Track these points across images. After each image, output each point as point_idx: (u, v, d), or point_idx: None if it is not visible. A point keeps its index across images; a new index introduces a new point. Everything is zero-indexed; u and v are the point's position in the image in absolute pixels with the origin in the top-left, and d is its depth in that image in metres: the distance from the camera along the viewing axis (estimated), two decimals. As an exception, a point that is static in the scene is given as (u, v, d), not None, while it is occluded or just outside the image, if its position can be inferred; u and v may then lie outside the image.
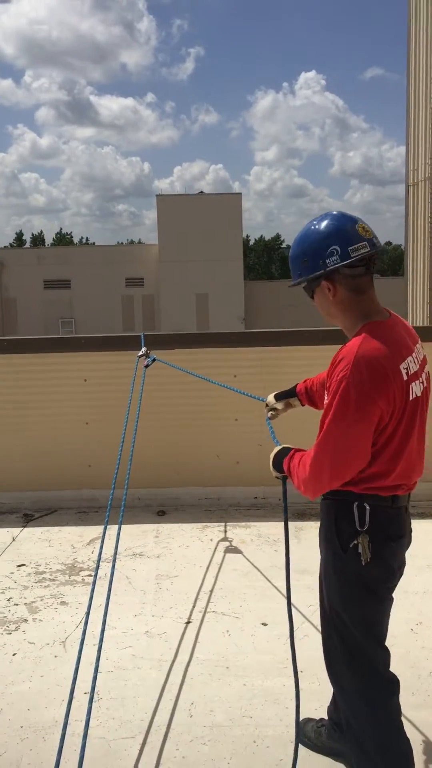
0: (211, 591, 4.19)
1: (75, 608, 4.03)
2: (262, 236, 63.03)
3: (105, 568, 4.57)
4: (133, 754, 2.81)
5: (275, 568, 4.38)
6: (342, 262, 2.24)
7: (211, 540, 5.01)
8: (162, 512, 5.59)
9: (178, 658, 3.49)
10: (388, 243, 71.73)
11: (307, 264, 2.32)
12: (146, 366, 4.72)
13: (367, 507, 2.28)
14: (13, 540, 5.12)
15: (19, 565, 4.66)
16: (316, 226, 2.33)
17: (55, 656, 3.54)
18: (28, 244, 62.44)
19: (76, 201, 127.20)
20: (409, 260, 12.46)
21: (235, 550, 4.80)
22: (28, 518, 5.57)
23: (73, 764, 2.72)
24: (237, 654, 3.50)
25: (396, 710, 2.38)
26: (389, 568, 2.36)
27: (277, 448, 2.58)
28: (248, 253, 56.11)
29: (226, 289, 35.75)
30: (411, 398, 2.24)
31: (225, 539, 5.00)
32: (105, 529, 3.56)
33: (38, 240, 64.80)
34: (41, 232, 69.99)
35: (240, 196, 39.15)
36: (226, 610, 3.94)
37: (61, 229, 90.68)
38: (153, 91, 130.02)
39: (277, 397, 3.10)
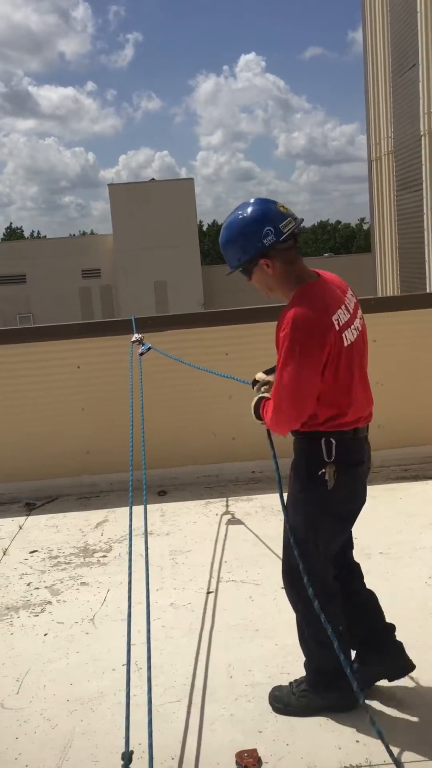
0: (226, 562, 4.31)
1: (96, 588, 4.11)
2: (215, 221, 63.05)
3: (117, 549, 4.67)
4: (181, 716, 2.91)
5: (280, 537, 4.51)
6: (277, 239, 2.57)
7: (216, 515, 5.12)
8: (163, 492, 5.67)
9: (206, 625, 3.60)
10: (338, 222, 72.35)
11: (244, 247, 2.61)
12: (141, 354, 4.79)
13: (333, 441, 2.66)
14: (20, 528, 5.16)
15: (32, 552, 4.71)
16: (244, 214, 2.63)
17: (87, 633, 3.61)
18: (-23, 241, 61.30)
19: (21, 195, 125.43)
20: (376, 234, 12.64)
21: (241, 522, 4.92)
22: (30, 507, 5.60)
23: (122, 730, 2.83)
24: (264, 617, 3.61)
25: (338, 614, 2.78)
26: (354, 489, 2.77)
27: (254, 398, 2.93)
28: (203, 239, 56.07)
29: (184, 275, 35.71)
30: (346, 344, 2.60)
31: (229, 513, 5.12)
32: (131, 508, 3.61)
33: (-12, 235, 63.72)
34: (-10, 227, 68.79)
35: (192, 182, 39.11)
36: (245, 578, 4.06)
37: (11, 223, 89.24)
38: (93, 79, 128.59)
39: (267, 372, 3.16)
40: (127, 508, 4.79)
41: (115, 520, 5.16)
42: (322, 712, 2.83)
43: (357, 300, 2.80)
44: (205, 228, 62.01)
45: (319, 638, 2.67)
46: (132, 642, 3.42)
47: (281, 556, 2.94)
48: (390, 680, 2.94)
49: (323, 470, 2.65)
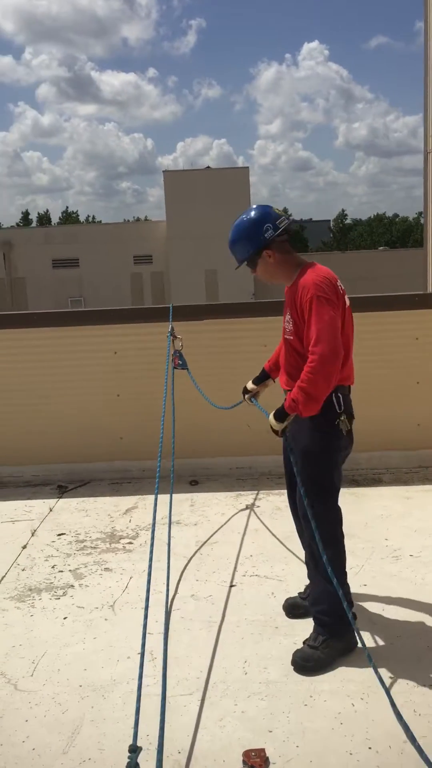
0: (252, 556, 4.25)
1: (119, 574, 4.10)
2: (269, 211, 62.41)
3: (143, 536, 4.65)
4: (193, 710, 2.88)
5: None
6: (275, 232, 3.15)
7: (246, 507, 5.06)
8: (194, 482, 5.64)
9: (226, 619, 3.55)
10: (395, 215, 71.12)
11: (251, 241, 3.17)
12: (175, 367, 4.81)
13: (340, 395, 3.14)
14: (51, 510, 5.19)
15: (59, 534, 4.73)
16: (248, 217, 3.20)
17: (106, 619, 3.61)
18: (34, 224, 62.19)
19: (79, 179, 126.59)
20: (429, 227, 12.35)
21: (271, 517, 4.85)
22: (62, 489, 5.64)
23: (132, 718, 2.80)
24: (284, 614, 3.55)
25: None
26: (351, 437, 3.25)
27: (272, 418, 3.21)
28: (256, 229, 55.73)
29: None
30: (347, 306, 3.15)
31: (259, 506, 5.06)
32: (156, 496, 3.59)
33: (45, 219, 64.55)
34: (47, 211, 69.84)
35: (247, 170, 38.80)
36: (269, 574, 4.00)
37: (67, 207, 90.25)
38: (155, 65, 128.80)
39: (255, 381, 3.83)
40: (159, 496, 4.81)
41: (144, 507, 5.15)
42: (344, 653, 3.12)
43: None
44: (259, 218, 61.58)
45: (341, 579, 3.11)
46: (149, 631, 3.42)
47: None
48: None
49: (338, 420, 3.13)
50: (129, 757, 2.41)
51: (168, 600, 3.71)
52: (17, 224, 60.49)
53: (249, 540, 4.49)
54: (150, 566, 3.10)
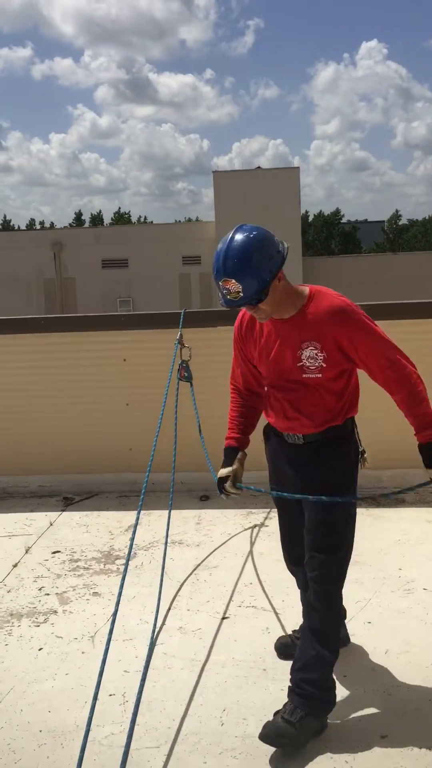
0: (251, 584, 3.94)
1: (108, 599, 3.84)
2: (321, 211, 61.74)
3: (142, 557, 4.39)
4: (156, 766, 2.59)
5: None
6: (284, 248, 2.60)
7: (256, 527, 4.75)
8: (205, 497, 5.35)
9: (211, 657, 3.25)
10: (453, 216, 69.32)
11: (271, 262, 2.53)
12: (180, 378, 4.53)
13: (356, 426, 2.84)
14: (51, 525, 4.96)
15: (54, 552, 4.49)
16: (254, 235, 2.56)
17: (82, 652, 3.34)
18: (87, 224, 62.80)
19: (135, 180, 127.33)
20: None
21: (279, 540, 4.52)
22: (67, 501, 5.41)
23: (91, 776, 2.53)
24: (275, 654, 3.23)
25: None
26: None
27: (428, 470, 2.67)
28: (307, 229, 55.19)
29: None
30: None
31: (268, 526, 4.74)
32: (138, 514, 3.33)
33: (97, 220, 65.13)
34: (100, 211, 70.36)
35: (298, 170, 38.30)
36: (266, 606, 3.68)
37: (119, 208, 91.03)
38: (212, 66, 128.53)
39: (226, 465, 3.00)
40: (162, 512, 4.54)
41: (148, 523, 4.88)
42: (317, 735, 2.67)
43: None
44: (310, 219, 61.00)
45: (337, 646, 2.79)
46: (126, 669, 3.16)
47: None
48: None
49: (361, 457, 2.85)
50: None
51: (154, 633, 3.44)
52: (70, 225, 61.15)
53: (251, 565, 4.17)
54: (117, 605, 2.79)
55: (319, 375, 2.63)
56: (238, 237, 2.54)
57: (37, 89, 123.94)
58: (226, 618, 3.60)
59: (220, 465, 2.99)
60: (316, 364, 2.62)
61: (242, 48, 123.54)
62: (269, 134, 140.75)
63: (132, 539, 3.28)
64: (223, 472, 2.96)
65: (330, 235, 60.03)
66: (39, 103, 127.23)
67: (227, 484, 2.94)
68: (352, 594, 3.47)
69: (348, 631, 3.25)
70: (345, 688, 2.96)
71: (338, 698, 2.86)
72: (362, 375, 2.79)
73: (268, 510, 5.03)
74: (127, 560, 3.35)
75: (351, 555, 2.80)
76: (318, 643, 2.67)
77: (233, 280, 2.49)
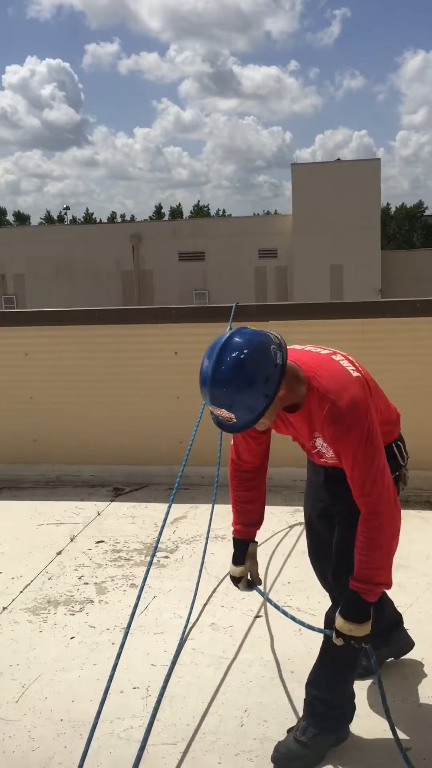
0: (290, 583, 3.87)
1: (144, 592, 3.78)
2: (403, 203, 60.47)
3: (183, 550, 4.38)
4: (170, 763, 2.56)
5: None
6: (283, 351, 2.24)
7: (300, 525, 4.65)
8: (254, 492, 5.28)
9: (240, 656, 3.20)
10: None
11: (267, 384, 2.17)
12: None
13: (401, 444, 2.60)
14: (98, 515, 5.01)
15: (98, 542, 4.53)
16: (244, 352, 2.16)
17: (113, 643, 3.34)
18: (167, 218, 63.37)
19: (217, 173, 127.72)
20: None
21: (325, 539, 4.43)
22: (117, 492, 5.46)
23: (103, 766, 2.54)
24: (305, 656, 3.14)
25: None
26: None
27: (339, 620, 2.36)
28: (388, 222, 54.08)
29: (362, 260, 34.54)
30: (361, 372, 2.42)
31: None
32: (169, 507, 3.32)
33: (176, 213, 65.64)
34: (179, 205, 70.84)
35: (378, 162, 37.55)
36: (302, 606, 3.60)
37: (198, 201, 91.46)
38: (296, 58, 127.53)
39: (237, 561, 2.76)
40: (209, 506, 4.52)
41: (194, 517, 4.86)
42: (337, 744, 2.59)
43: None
44: (392, 211, 59.72)
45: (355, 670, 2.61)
46: (153, 663, 3.16)
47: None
48: (396, 658, 3.08)
49: (397, 473, 2.54)
50: None
51: (185, 628, 3.42)
52: (150, 218, 61.85)
53: (292, 564, 4.10)
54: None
55: (337, 461, 2.40)
56: (226, 359, 2.15)
57: (123, 84, 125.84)
58: (260, 617, 3.54)
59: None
60: (330, 453, 2.42)
61: (328, 38, 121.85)
62: (353, 125, 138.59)
63: (160, 533, 3.27)
64: (236, 571, 2.73)
65: (412, 228, 58.68)
66: (124, 98, 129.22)
67: (241, 585, 2.74)
68: (392, 598, 3.36)
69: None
70: (374, 695, 2.86)
71: (365, 705, 2.79)
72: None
73: (315, 508, 4.93)
74: (153, 555, 3.33)
75: None
76: (330, 660, 2.55)
77: (223, 410, 2.19)
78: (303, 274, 35.06)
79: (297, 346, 2.56)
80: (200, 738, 2.69)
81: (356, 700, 2.68)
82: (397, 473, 2.52)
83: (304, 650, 3.19)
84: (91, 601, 3.77)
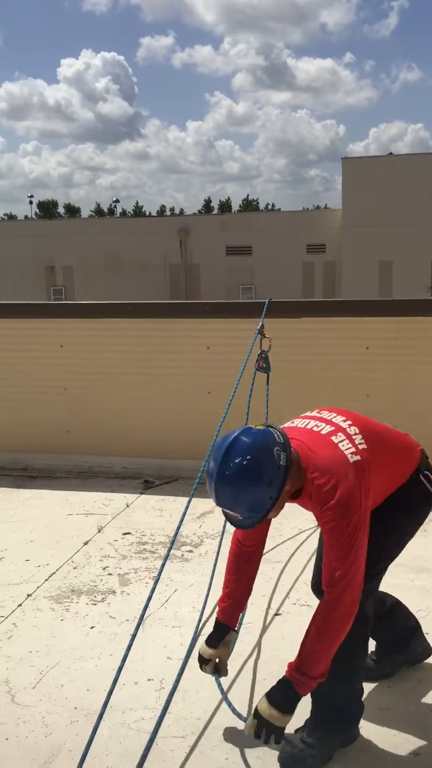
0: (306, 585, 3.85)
1: (165, 585, 3.86)
2: (457, 199, 59.19)
3: (208, 545, 4.39)
4: (178, 758, 2.58)
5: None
6: (287, 452, 2.28)
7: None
8: (283, 489, 5.28)
9: (254, 653, 3.21)
10: None
11: (271, 486, 2.25)
12: (258, 369, 4.48)
13: (428, 474, 2.61)
14: (127, 506, 5.06)
15: (125, 533, 4.59)
16: (248, 456, 2.25)
17: (131, 634, 3.38)
18: (216, 211, 63.42)
19: (268, 167, 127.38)
20: None
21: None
22: (147, 485, 5.51)
23: (113, 756, 2.57)
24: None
25: None
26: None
27: (262, 702, 2.40)
28: (441, 218, 52.99)
29: (413, 256, 34.03)
30: (364, 448, 2.41)
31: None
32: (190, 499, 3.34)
33: (225, 207, 65.64)
34: (228, 198, 70.88)
35: (432, 157, 36.88)
36: (321, 605, 3.59)
37: (248, 195, 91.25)
38: (352, 50, 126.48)
39: (211, 643, 2.73)
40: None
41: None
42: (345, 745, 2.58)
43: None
44: (445, 207, 58.52)
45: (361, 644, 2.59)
46: (169, 656, 3.19)
47: (384, 582, 2.69)
48: (412, 665, 3.02)
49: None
50: None
51: (200, 623, 3.44)
52: (199, 211, 61.97)
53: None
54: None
55: None
56: (232, 462, 2.25)
57: (177, 77, 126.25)
58: (278, 615, 3.54)
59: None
60: None
61: (385, 30, 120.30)
62: (409, 119, 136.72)
63: (178, 528, 3.28)
64: (206, 652, 2.72)
65: (466, 225, 57.45)
66: (178, 91, 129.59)
67: (207, 668, 2.74)
68: (414, 601, 3.33)
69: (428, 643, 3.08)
70: (386, 699, 2.85)
71: (376, 708, 2.77)
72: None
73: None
74: (170, 548, 3.36)
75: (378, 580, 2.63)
76: (335, 662, 2.45)
77: (229, 510, 2.33)
78: (351, 269, 34.69)
79: (299, 422, 2.59)
80: (210, 733, 2.70)
81: (367, 703, 2.66)
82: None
83: (320, 650, 3.18)
84: (114, 591, 3.82)
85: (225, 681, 2.98)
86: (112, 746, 2.63)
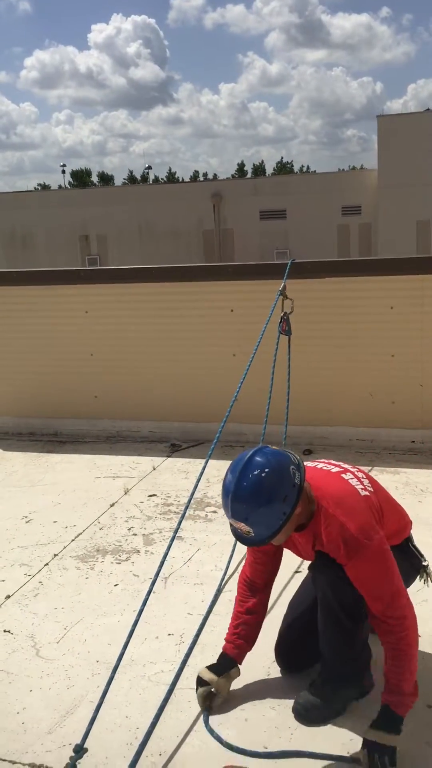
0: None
1: (189, 544, 3.93)
2: None
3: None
4: (194, 708, 2.65)
5: (416, 520, 3.94)
6: (302, 472, 2.38)
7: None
8: (309, 451, 5.29)
9: (274, 610, 3.20)
10: None
11: (287, 502, 2.32)
12: (281, 332, 4.46)
13: (414, 544, 2.79)
14: (154, 469, 5.13)
15: (150, 495, 4.65)
16: (265, 469, 2.34)
17: (154, 592, 3.43)
18: (249, 175, 62.67)
19: (304, 128, 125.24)
20: None
21: (375, 498, 4.40)
22: (174, 448, 5.56)
23: (132, 707, 2.65)
24: (339, 613, 3.18)
25: None
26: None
27: (367, 732, 2.33)
28: None
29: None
30: (370, 491, 2.55)
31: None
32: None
33: (259, 170, 64.82)
34: (262, 162, 69.92)
35: (470, 112, 35.80)
36: (342, 563, 3.61)
37: (282, 158, 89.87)
38: (388, 4, 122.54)
39: (215, 670, 2.65)
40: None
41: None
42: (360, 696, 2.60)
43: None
44: None
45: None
46: (189, 612, 3.24)
47: None
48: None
49: (425, 573, 2.81)
50: (70, 758, 2.26)
51: (222, 579, 3.50)
52: (232, 176, 61.32)
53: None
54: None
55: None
56: (248, 476, 2.32)
57: (209, 39, 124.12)
58: (299, 572, 3.57)
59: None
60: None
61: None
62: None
63: (195, 487, 3.32)
64: (206, 675, 2.62)
65: None
66: (210, 53, 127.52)
67: (202, 690, 2.60)
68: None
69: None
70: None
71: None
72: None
73: (369, 468, 4.89)
74: (186, 507, 3.38)
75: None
76: (334, 619, 2.49)
77: (242, 523, 2.35)
78: (388, 230, 34.07)
79: (308, 463, 2.65)
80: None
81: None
82: (421, 569, 2.76)
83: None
84: (138, 551, 3.89)
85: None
86: (131, 696, 2.71)
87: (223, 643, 2.74)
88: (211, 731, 2.48)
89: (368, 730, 2.32)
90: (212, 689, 2.61)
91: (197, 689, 2.63)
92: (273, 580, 2.81)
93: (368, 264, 5.24)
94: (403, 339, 5.03)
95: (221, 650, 2.72)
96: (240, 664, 2.71)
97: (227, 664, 2.67)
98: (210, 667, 2.66)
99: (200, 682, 2.64)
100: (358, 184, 36.97)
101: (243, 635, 2.71)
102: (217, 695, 2.61)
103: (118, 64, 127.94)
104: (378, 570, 2.35)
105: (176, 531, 3.18)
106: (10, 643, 3.10)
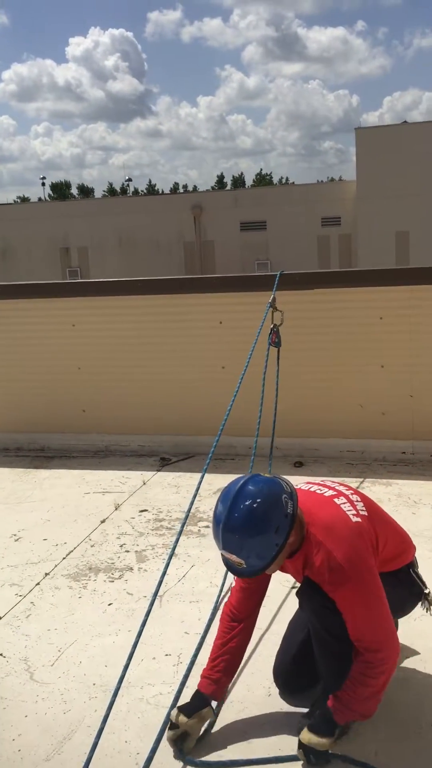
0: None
1: (182, 560, 3.87)
2: (474, 167, 58.27)
3: (225, 521, 4.37)
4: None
5: (411, 533, 3.91)
6: (294, 500, 2.32)
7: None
8: (299, 464, 5.26)
9: (272, 627, 3.20)
10: None
11: (279, 533, 2.27)
12: (270, 343, 4.44)
13: (417, 571, 2.69)
14: (144, 484, 5.06)
15: (142, 511, 4.59)
16: (258, 512, 2.26)
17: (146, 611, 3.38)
18: (229, 187, 62.92)
19: (282, 140, 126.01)
20: None
21: (369, 510, 4.37)
22: (164, 462, 5.50)
23: (132, 731, 2.58)
24: (338, 629, 3.13)
25: None
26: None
27: (306, 732, 2.35)
28: (457, 186, 52.20)
29: (429, 226, 33.57)
30: (363, 515, 2.46)
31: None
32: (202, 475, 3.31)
33: (238, 182, 65.09)
34: (241, 174, 70.28)
35: (447, 124, 36.23)
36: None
37: (261, 170, 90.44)
38: (364, 18, 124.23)
39: (186, 711, 2.48)
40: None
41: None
42: None
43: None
44: (461, 175, 57.65)
45: None
46: (186, 631, 3.18)
47: None
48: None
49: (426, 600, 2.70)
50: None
51: (219, 597, 3.44)
52: (212, 188, 61.52)
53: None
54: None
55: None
56: (240, 506, 2.26)
57: (186, 52, 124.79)
58: (294, 587, 3.51)
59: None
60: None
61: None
62: (424, 86, 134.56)
63: (191, 504, 3.25)
64: (176, 717, 2.46)
65: None
66: (188, 66, 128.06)
67: (172, 734, 2.44)
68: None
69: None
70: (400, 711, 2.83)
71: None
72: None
73: (361, 479, 4.89)
74: (183, 524, 3.32)
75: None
76: (329, 655, 2.44)
77: (234, 555, 2.28)
78: (367, 241, 34.30)
79: (303, 486, 2.61)
80: (228, 706, 2.70)
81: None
82: (423, 596, 2.67)
83: (338, 622, 3.16)
84: (131, 568, 3.82)
85: (242, 654, 2.97)
86: (130, 721, 2.64)
87: (199, 679, 2.60)
88: (201, 763, 2.40)
89: (304, 732, 2.33)
90: (184, 731, 2.45)
91: (167, 732, 2.47)
92: (260, 606, 2.69)
93: (357, 275, 5.24)
94: (392, 350, 5.01)
95: (196, 687, 2.58)
96: (218, 699, 2.60)
97: (200, 703, 2.51)
98: (182, 708, 2.50)
99: (171, 726, 2.46)
100: (338, 195, 37.23)
101: (223, 668, 2.58)
102: (188, 737, 2.45)
103: (96, 77, 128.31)
104: (361, 601, 2.30)
105: (173, 549, 3.12)
106: (3, 667, 3.02)
